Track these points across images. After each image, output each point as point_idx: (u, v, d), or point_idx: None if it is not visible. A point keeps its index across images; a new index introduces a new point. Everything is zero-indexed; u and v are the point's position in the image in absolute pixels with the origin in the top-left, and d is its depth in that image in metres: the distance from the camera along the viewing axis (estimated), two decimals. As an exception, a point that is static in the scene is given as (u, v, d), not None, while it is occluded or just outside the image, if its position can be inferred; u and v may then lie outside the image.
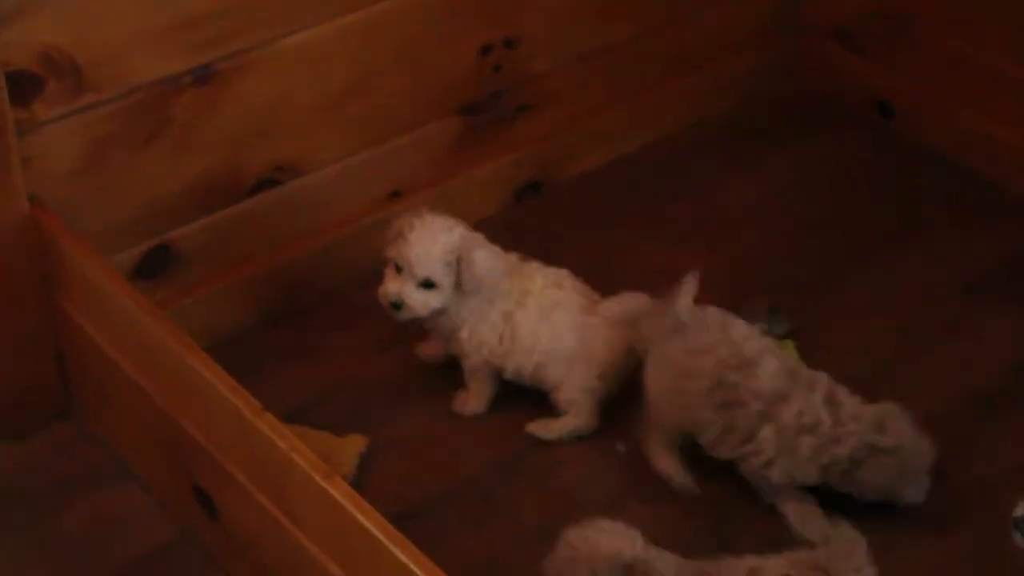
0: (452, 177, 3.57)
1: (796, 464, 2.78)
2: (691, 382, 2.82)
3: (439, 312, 2.97)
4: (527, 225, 3.61)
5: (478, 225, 3.56)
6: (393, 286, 2.94)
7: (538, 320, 3.02)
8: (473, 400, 3.09)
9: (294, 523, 2.51)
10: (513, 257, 3.09)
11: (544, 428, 3.04)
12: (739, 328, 2.87)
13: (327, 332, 3.32)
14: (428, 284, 2.93)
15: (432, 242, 2.92)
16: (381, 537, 2.29)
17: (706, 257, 3.48)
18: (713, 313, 2.89)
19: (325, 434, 2.99)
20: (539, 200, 3.70)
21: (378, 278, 3.19)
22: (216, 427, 2.62)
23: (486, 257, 2.97)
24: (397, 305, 2.94)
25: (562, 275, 3.09)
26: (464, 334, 3.02)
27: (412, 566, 2.24)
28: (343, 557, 2.43)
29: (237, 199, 3.23)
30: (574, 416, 3.03)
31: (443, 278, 2.93)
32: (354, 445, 3.01)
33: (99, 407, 3.02)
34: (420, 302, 2.93)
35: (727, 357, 2.80)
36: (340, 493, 2.36)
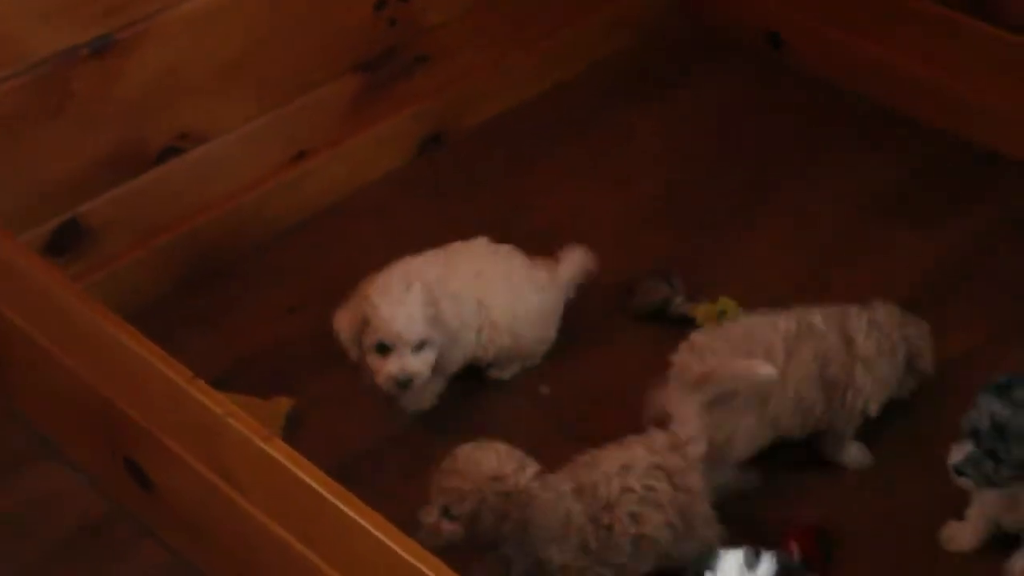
0: (354, 135, 3.56)
1: (883, 387, 2.86)
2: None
3: None
4: (432, 178, 3.63)
5: (383, 181, 3.60)
6: (394, 367, 2.82)
7: (506, 296, 3.02)
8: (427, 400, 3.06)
9: (234, 488, 2.51)
10: (439, 253, 3.05)
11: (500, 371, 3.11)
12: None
13: (242, 296, 3.32)
14: (420, 346, 2.84)
15: (409, 306, 2.82)
16: (327, 494, 2.31)
17: (617, 196, 3.55)
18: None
19: (249, 398, 2.99)
20: (443, 152, 3.71)
21: (289, 238, 3.21)
22: (146, 398, 2.62)
23: (451, 303, 2.90)
24: (406, 383, 2.84)
25: (483, 243, 3.08)
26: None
27: (361, 521, 2.26)
28: (286, 517, 2.44)
29: (143, 169, 3.21)
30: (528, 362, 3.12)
31: (432, 332, 2.84)
32: (279, 407, 3.01)
33: (23, 386, 3.00)
34: (423, 368, 2.84)
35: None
36: (281, 454, 2.37)
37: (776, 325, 2.81)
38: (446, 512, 2.48)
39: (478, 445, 2.54)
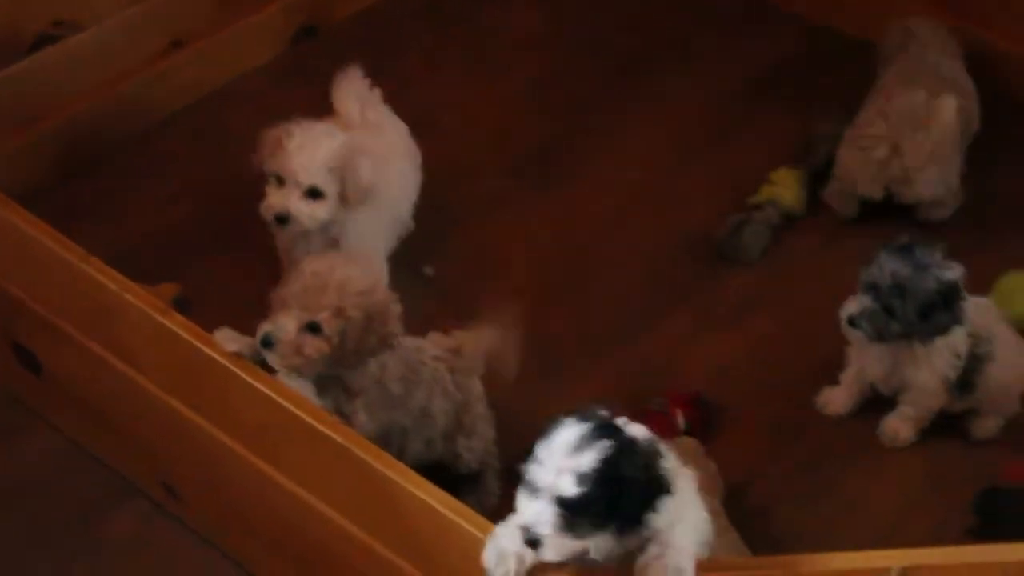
0: (228, 25, 3.55)
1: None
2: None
3: (326, 226, 2.83)
4: (306, 68, 3.62)
5: (258, 71, 3.60)
6: (277, 199, 2.78)
7: (401, 166, 3.03)
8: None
9: (131, 366, 2.53)
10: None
11: None
12: None
13: (123, 186, 3.31)
14: (314, 193, 2.78)
15: (314, 149, 2.75)
16: (231, 366, 2.34)
17: (490, 86, 3.59)
18: None
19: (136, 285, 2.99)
20: (316, 43, 3.71)
21: (168, 127, 3.20)
22: (37, 279, 2.61)
23: (371, 166, 2.82)
24: (283, 219, 2.78)
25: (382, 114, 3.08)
26: (354, 249, 2.88)
27: (266, 390, 2.31)
28: (186, 391, 2.48)
29: (18, 57, 3.18)
30: None
31: (328, 186, 2.78)
32: (166, 293, 3.01)
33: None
34: (307, 214, 2.78)
35: None
36: (181, 328, 2.39)
37: None
38: (312, 328, 2.38)
39: (337, 258, 2.48)
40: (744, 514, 2.66)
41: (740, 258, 3.14)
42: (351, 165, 2.77)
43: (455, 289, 3.07)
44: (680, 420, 2.77)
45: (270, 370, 2.37)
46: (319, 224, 2.79)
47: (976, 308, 2.73)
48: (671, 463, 2.11)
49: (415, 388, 2.54)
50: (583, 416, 2.05)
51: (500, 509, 2.14)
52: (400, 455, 2.44)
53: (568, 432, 2.03)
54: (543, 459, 2.02)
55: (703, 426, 2.79)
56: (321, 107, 3.38)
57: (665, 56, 3.67)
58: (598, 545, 2.07)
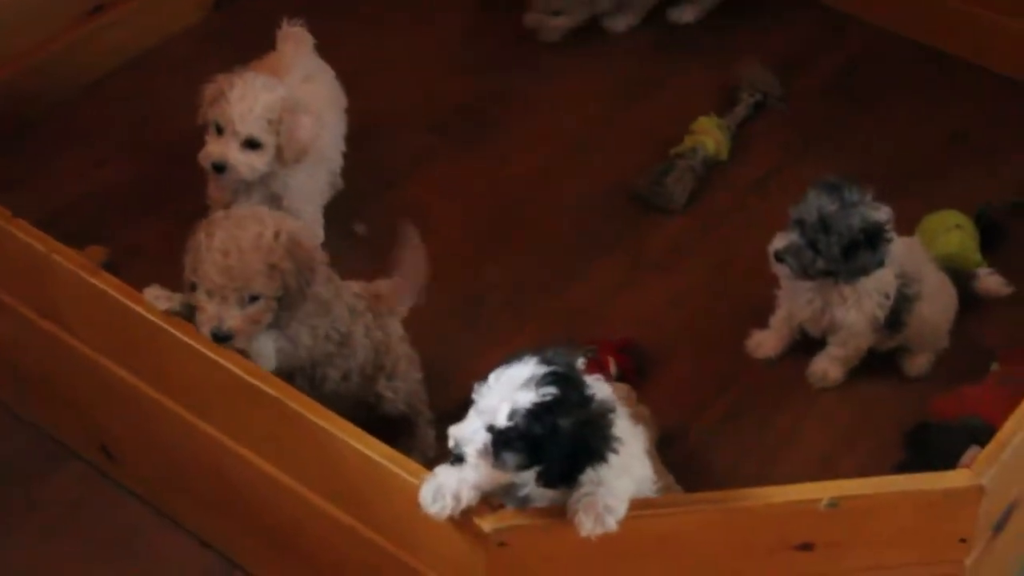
0: (149, -12, 3.54)
1: None
2: None
3: (266, 180, 2.84)
4: (230, 31, 3.61)
5: (181, 35, 3.58)
6: (216, 148, 2.77)
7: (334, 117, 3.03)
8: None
9: (63, 328, 2.53)
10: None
11: None
12: None
13: (49, 152, 3.29)
14: (252, 144, 2.77)
15: (254, 100, 2.75)
16: (162, 323, 2.34)
17: (421, 40, 3.61)
18: None
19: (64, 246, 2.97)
20: (239, 5, 3.69)
21: (91, 94, 3.17)
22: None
23: (310, 123, 2.81)
24: (220, 167, 2.78)
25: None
26: (295, 204, 2.90)
27: (199, 347, 2.32)
28: (119, 351, 2.48)
29: (-63, 26, 3.16)
30: None
31: (267, 137, 2.77)
32: (94, 256, 2.99)
33: None
34: (245, 164, 2.78)
35: None
36: (111, 287, 2.39)
37: None
38: (253, 299, 2.36)
39: (226, 221, 2.40)
40: (679, 458, 2.69)
41: (665, 206, 3.16)
42: (290, 120, 2.77)
43: (386, 246, 3.07)
44: (612, 367, 2.80)
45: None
46: (256, 175, 2.80)
47: (905, 248, 2.77)
48: (622, 428, 2.14)
49: (337, 304, 2.54)
50: (547, 359, 2.08)
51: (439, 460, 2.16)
52: (320, 382, 2.50)
53: (524, 368, 2.06)
54: (492, 384, 2.07)
55: (634, 372, 2.82)
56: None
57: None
58: (533, 490, 2.10)
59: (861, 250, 2.65)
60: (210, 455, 2.43)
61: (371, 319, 2.60)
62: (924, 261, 2.83)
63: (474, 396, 2.08)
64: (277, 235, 2.37)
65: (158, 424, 2.48)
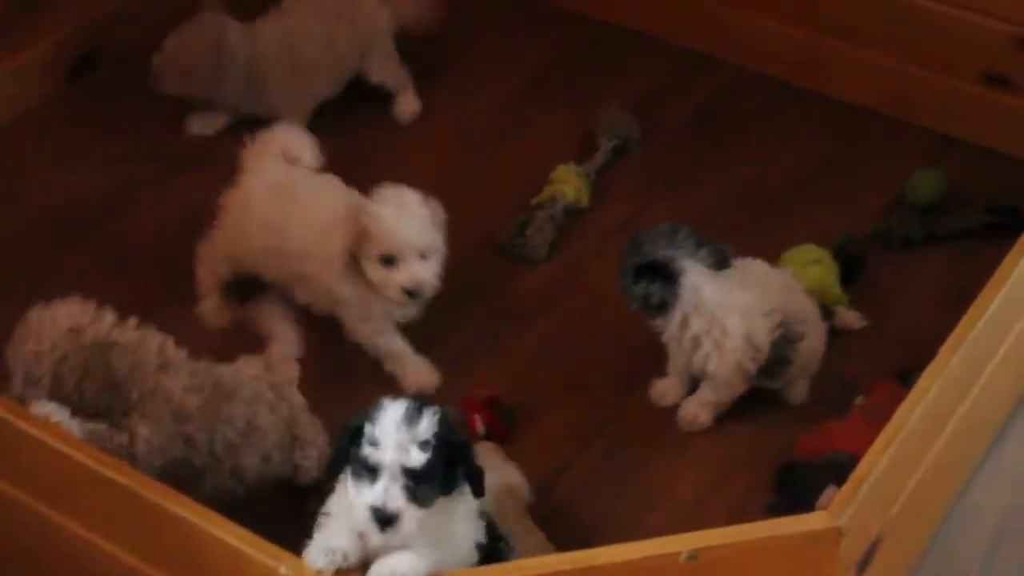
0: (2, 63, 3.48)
1: None
2: None
3: None
4: (88, 105, 3.57)
5: (35, 111, 3.53)
6: (403, 276, 2.72)
7: None
8: None
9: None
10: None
11: None
12: None
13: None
14: (425, 254, 2.75)
15: (417, 212, 2.74)
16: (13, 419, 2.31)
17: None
18: None
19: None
20: (97, 74, 3.65)
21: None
22: None
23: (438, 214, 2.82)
24: (417, 292, 2.76)
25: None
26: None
27: (51, 441, 2.28)
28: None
29: None
30: None
31: (438, 238, 2.77)
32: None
33: None
34: (434, 277, 2.78)
35: None
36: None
37: None
38: (29, 379, 2.39)
39: (47, 305, 2.45)
40: (550, 512, 2.68)
41: (528, 256, 3.16)
42: (436, 212, 2.80)
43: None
44: (479, 425, 2.78)
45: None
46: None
47: (782, 289, 2.80)
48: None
49: (227, 402, 2.52)
50: (396, 397, 2.13)
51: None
52: (240, 472, 2.52)
53: (396, 408, 2.09)
54: (379, 438, 2.07)
55: (502, 429, 2.81)
56: (108, 138, 3.36)
57: (447, 62, 3.69)
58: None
59: (645, 283, 2.68)
60: (73, 550, 2.39)
61: (273, 395, 2.59)
62: (801, 295, 2.85)
63: (356, 461, 2.10)
64: (77, 328, 2.42)
65: (17, 522, 2.44)
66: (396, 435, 2.07)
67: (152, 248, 3.21)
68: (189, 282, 3.06)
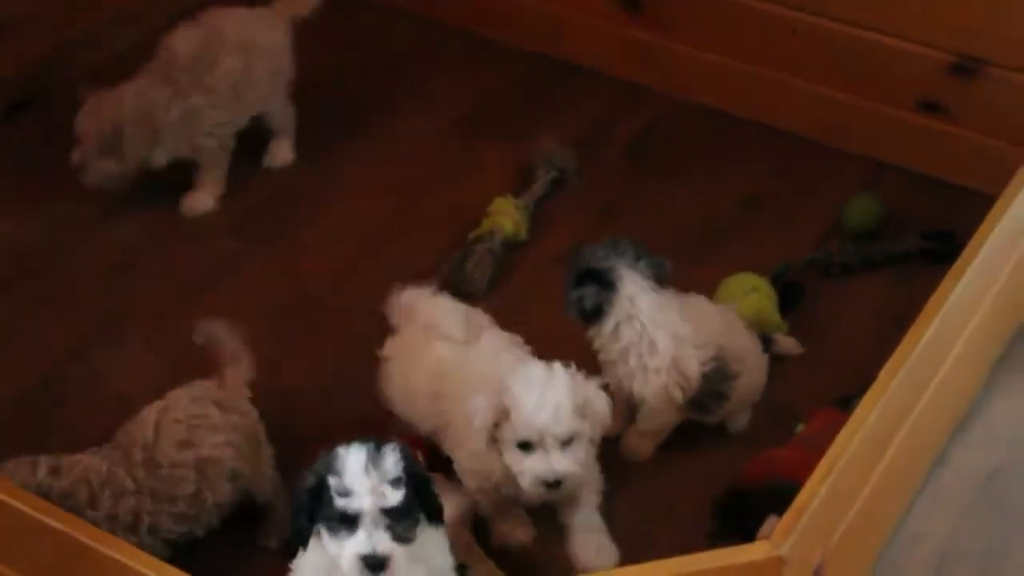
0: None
1: None
2: None
3: None
4: (23, 146, 3.56)
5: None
6: (541, 466, 2.50)
7: None
8: None
9: None
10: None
11: None
12: None
13: None
14: (568, 440, 2.52)
15: (562, 394, 2.50)
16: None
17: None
18: None
19: None
20: (29, 116, 3.63)
21: None
22: None
23: (599, 394, 2.57)
24: (556, 486, 2.53)
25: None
26: None
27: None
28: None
29: None
30: None
31: (582, 425, 2.53)
32: None
33: None
34: (575, 467, 2.53)
35: None
36: None
37: None
38: None
39: None
40: (495, 545, 2.67)
41: (468, 290, 3.16)
42: (589, 402, 2.55)
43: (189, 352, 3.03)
44: (422, 461, 2.76)
45: None
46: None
47: (723, 325, 2.82)
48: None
49: (162, 469, 2.57)
50: (349, 441, 2.13)
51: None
52: (218, 502, 2.60)
53: (358, 454, 2.10)
54: (350, 487, 2.08)
55: (444, 466, 2.79)
56: (38, 181, 3.33)
57: (380, 97, 3.69)
58: None
59: (580, 288, 2.71)
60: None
61: (217, 412, 2.61)
62: (742, 333, 2.86)
63: (328, 514, 2.09)
64: None
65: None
66: (367, 480, 2.07)
67: (86, 291, 3.19)
68: (124, 324, 3.05)
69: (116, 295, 3.14)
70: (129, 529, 2.54)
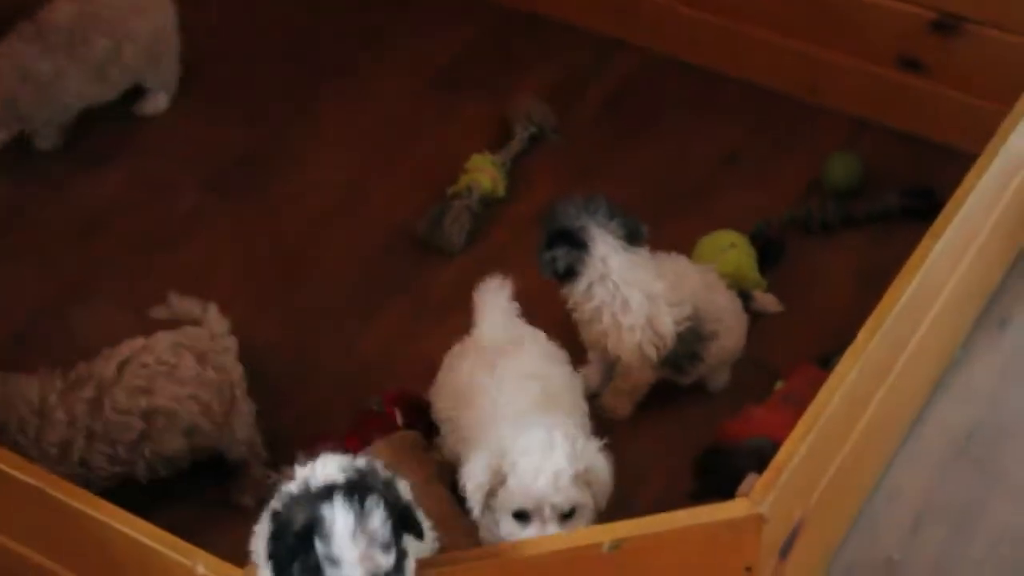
0: None
1: None
2: None
3: None
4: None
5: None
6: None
7: None
8: None
9: None
10: None
11: None
12: None
13: None
14: (569, 513, 2.35)
15: (563, 462, 2.32)
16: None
17: (187, 95, 3.51)
18: None
19: None
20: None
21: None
22: None
23: (601, 460, 2.40)
24: None
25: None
26: None
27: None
28: None
29: None
30: None
31: (583, 497, 2.35)
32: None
33: None
34: None
35: None
36: None
37: None
38: None
39: None
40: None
41: (444, 247, 3.14)
42: (593, 469, 2.37)
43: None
44: (398, 417, 2.75)
45: None
46: None
47: (701, 284, 2.80)
48: (403, 490, 2.15)
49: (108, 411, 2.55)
50: (331, 490, 2.02)
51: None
52: (162, 457, 2.60)
53: (346, 517, 2.00)
54: (339, 556, 1.99)
55: (422, 421, 2.78)
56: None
57: (358, 52, 3.64)
58: None
59: (552, 249, 2.70)
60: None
61: (196, 366, 2.60)
62: (722, 293, 2.85)
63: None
64: None
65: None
66: (356, 548, 2.00)
67: (58, 248, 3.17)
68: (96, 281, 3.03)
69: (88, 251, 3.11)
70: (57, 461, 2.52)
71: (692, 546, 2.19)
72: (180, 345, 2.62)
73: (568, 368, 2.66)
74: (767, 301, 3.01)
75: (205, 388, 2.61)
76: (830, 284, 3.08)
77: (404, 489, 2.14)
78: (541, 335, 2.68)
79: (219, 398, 2.63)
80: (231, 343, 2.70)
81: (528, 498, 2.30)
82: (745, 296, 2.94)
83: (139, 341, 2.64)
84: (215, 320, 2.71)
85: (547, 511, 2.31)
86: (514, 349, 2.62)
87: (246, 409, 2.69)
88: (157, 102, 3.46)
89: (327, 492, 2.02)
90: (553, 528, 2.30)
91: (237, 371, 2.68)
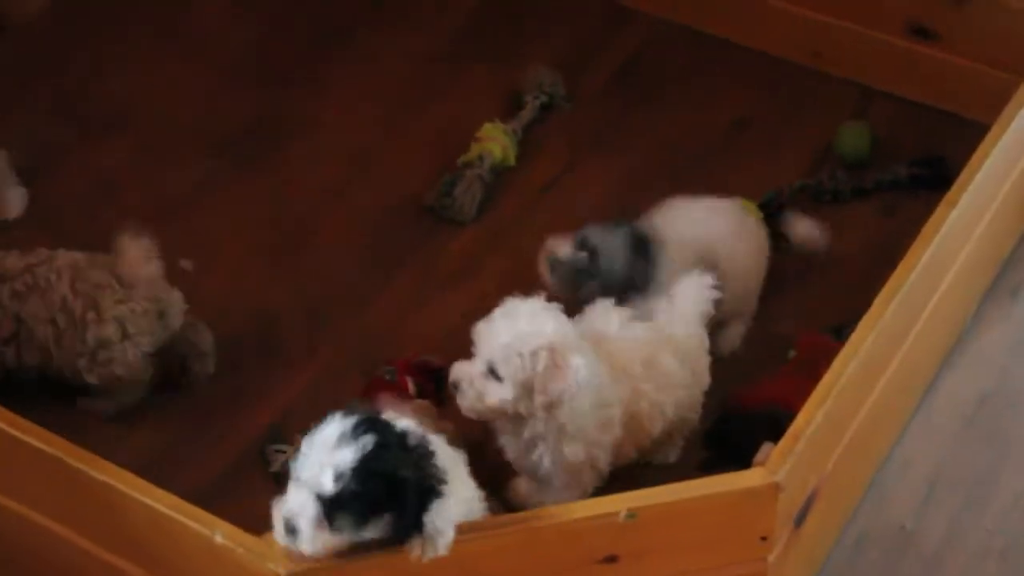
0: None
1: None
2: None
3: None
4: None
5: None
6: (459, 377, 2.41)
7: None
8: None
9: None
10: None
11: None
12: None
13: None
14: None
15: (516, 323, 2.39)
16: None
17: (193, 61, 3.50)
18: None
19: None
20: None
21: None
22: None
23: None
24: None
25: None
26: None
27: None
28: None
29: None
30: None
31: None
32: None
33: None
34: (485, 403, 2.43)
35: None
36: None
37: None
38: None
39: None
40: (485, 472, 2.65)
41: (456, 217, 3.13)
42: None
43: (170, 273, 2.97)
44: (410, 386, 2.76)
45: None
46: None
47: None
48: (443, 455, 2.13)
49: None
50: (349, 411, 2.05)
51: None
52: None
53: (332, 428, 2.03)
54: (307, 452, 2.02)
55: (434, 390, 2.78)
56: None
57: (367, 18, 3.62)
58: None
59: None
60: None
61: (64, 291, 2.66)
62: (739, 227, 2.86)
63: (292, 466, 2.04)
64: None
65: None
66: (321, 455, 2.01)
67: (69, 213, 3.16)
68: (105, 247, 3.02)
69: (96, 220, 3.10)
70: None
71: (708, 516, 2.20)
72: (70, 267, 2.69)
73: None
74: (804, 229, 2.98)
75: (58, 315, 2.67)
76: (841, 254, 3.06)
77: (425, 486, 2.06)
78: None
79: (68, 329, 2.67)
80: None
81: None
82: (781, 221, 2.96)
83: (45, 252, 2.73)
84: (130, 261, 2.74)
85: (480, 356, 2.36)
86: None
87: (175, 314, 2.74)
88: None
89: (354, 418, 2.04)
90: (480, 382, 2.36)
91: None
